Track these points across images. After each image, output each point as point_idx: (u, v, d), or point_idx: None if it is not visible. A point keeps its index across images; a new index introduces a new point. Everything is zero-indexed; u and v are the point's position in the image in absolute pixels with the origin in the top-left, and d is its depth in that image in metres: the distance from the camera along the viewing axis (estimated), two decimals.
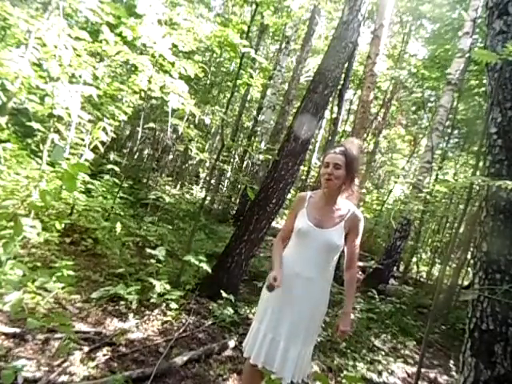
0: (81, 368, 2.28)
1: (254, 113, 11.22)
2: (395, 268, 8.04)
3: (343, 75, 4.41)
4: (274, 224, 5.41)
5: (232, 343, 3.09)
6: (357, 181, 2.06)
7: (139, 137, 5.98)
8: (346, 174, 1.95)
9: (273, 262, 2.06)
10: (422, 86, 9.39)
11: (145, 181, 8.65)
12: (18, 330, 2.41)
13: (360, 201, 9.16)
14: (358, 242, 2.01)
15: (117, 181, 5.12)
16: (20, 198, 3.26)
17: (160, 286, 3.34)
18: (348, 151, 1.96)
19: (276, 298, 1.97)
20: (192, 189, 10.24)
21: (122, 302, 3.20)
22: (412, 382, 3.53)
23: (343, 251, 2.05)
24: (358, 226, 2.00)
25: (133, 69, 5.63)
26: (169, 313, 3.25)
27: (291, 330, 1.93)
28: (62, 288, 2.92)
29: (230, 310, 3.52)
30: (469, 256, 6.47)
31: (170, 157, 12.18)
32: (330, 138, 5.25)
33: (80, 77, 4.01)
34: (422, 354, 2.20)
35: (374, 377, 3.33)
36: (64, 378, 2.17)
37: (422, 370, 3.83)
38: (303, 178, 11.87)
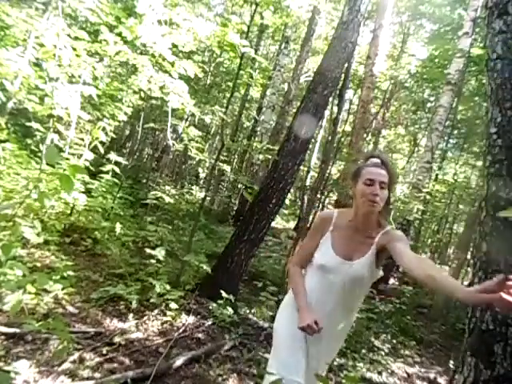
0: (80, 368, 2.28)
1: (254, 113, 11.22)
2: (395, 268, 8.03)
3: (343, 75, 4.41)
4: (273, 224, 5.41)
5: (232, 343, 3.09)
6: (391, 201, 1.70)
7: (139, 137, 5.98)
8: (389, 193, 1.61)
9: (296, 296, 1.70)
10: (422, 86, 9.39)
11: (144, 181, 8.65)
12: (17, 330, 2.40)
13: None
14: (407, 245, 1.58)
15: (117, 181, 5.12)
16: (19, 198, 3.26)
17: (160, 286, 3.34)
18: (389, 165, 1.64)
19: (293, 337, 1.64)
20: (192, 189, 10.24)
21: (122, 302, 3.20)
22: (412, 381, 3.54)
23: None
24: (396, 235, 1.62)
25: (133, 69, 5.63)
26: (168, 313, 3.25)
27: (310, 372, 1.61)
28: (62, 288, 2.92)
29: (229, 310, 3.52)
30: (469, 256, 6.48)
31: (170, 157, 12.18)
32: (329, 138, 5.27)
33: (79, 77, 4.01)
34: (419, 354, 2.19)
35: (374, 377, 3.33)
36: (64, 378, 2.17)
37: (422, 370, 3.83)
38: (303, 178, 11.86)
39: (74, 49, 3.86)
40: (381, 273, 1.70)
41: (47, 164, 3.64)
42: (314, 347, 1.65)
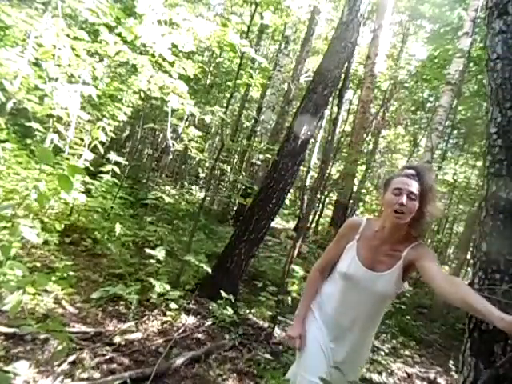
0: (80, 368, 2.28)
1: (254, 113, 11.23)
2: None
3: (343, 75, 4.41)
4: (273, 224, 5.40)
5: (232, 343, 3.09)
6: (427, 220, 1.61)
7: (139, 137, 5.98)
8: (419, 207, 1.54)
9: (300, 304, 1.75)
10: (422, 86, 9.39)
11: (144, 181, 8.65)
12: (17, 330, 2.40)
13: (360, 201, 9.15)
14: (436, 263, 1.53)
15: (116, 181, 5.12)
16: (19, 198, 3.26)
17: (160, 286, 3.34)
18: (425, 177, 1.58)
19: (316, 342, 1.65)
20: (192, 189, 10.24)
21: (122, 302, 3.20)
22: (412, 382, 3.54)
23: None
24: (425, 252, 1.56)
25: (133, 69, 5.63)
26: (168, 313, 3.25)
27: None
28: (62, 289, 2.92)
29: (229, 310, 3.52)
30: (469, 256, 6.48)
31: (170, 157, 12.18)
32: (329, 138, 5.27)
33: (79, 77, 4.01)
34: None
35: (374, 377, 3.33)
36: (63, 378, 2.17)
37: (422, 370, 3.83)
38: (303, 178, 11.87)
39: (74, 49, 3.86)
40: (406, 285, 1.65)
41: (47, 164, 3.65)
42: (336, 356, 1.63)
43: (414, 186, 1.54)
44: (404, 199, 1.51)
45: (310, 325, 1.72)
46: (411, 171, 1.60)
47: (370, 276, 1.57)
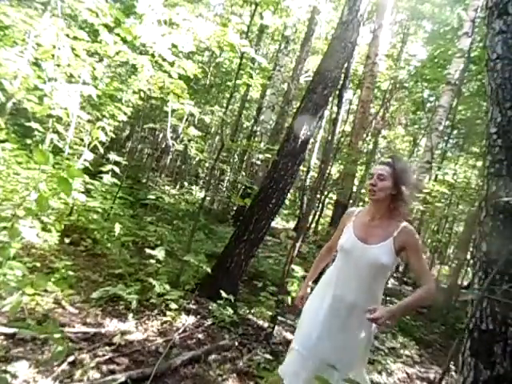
0: (80, 368, 2.28)
1: (254, 113, 11.21)
2: (395, 268, 8.03)
3: (343, 75, 4.41)
4: (273, 224, 5.40)
5: (231, 343, 3.09)
6: (406, 198, 1.85)
7: (139, 137, 5.97)
8: (393, 186, 1.81)
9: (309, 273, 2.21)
10: (422, 86, 9.39)
11: (144, 181, 8.65)
12: (17, 330, 2.40)
13: (360, 201, 9.15)
14: (420, 256, 1.80)
15: (116, 181, 5.12)
16: (19, 198, 3.25)
17: (159, 286, 3.34)
18: (395, 162, 1.85)
19: (311, 322, 1.87)
20: (192, 189, 10.23)
21: (122, 303, 3.19)
22: (412, 382, 3.54)
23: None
24: (412, 240, 1.79)
25: (133, 69, 5.63)
26: (168, 313, 3.25)
27: (323, 359, 1.78)
28: (62, 290, 2.92)
29: (229, 310, 3.52)
30: (469, 256, 6.48)
31: (170, 157, 12.17)
32: (329, 138, 5.26)
33: (79, 77, 4.01)
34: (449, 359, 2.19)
35: (374, 377, 3.33)
36: (63, 378, 2.17)
37: (422, 370, 3.83)
38: (303, 178, 11.85)
39: (73, 49, 3.86)
40: (398, 259, 1.85)
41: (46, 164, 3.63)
42: (331, 336, 1.79)
43: (384, 170, 1.83)
44: (373, 180, 1.83)
45: (311, 301, 1.97)
46: (385, 160, 1.90)
47: (364, 248, 1.80)
